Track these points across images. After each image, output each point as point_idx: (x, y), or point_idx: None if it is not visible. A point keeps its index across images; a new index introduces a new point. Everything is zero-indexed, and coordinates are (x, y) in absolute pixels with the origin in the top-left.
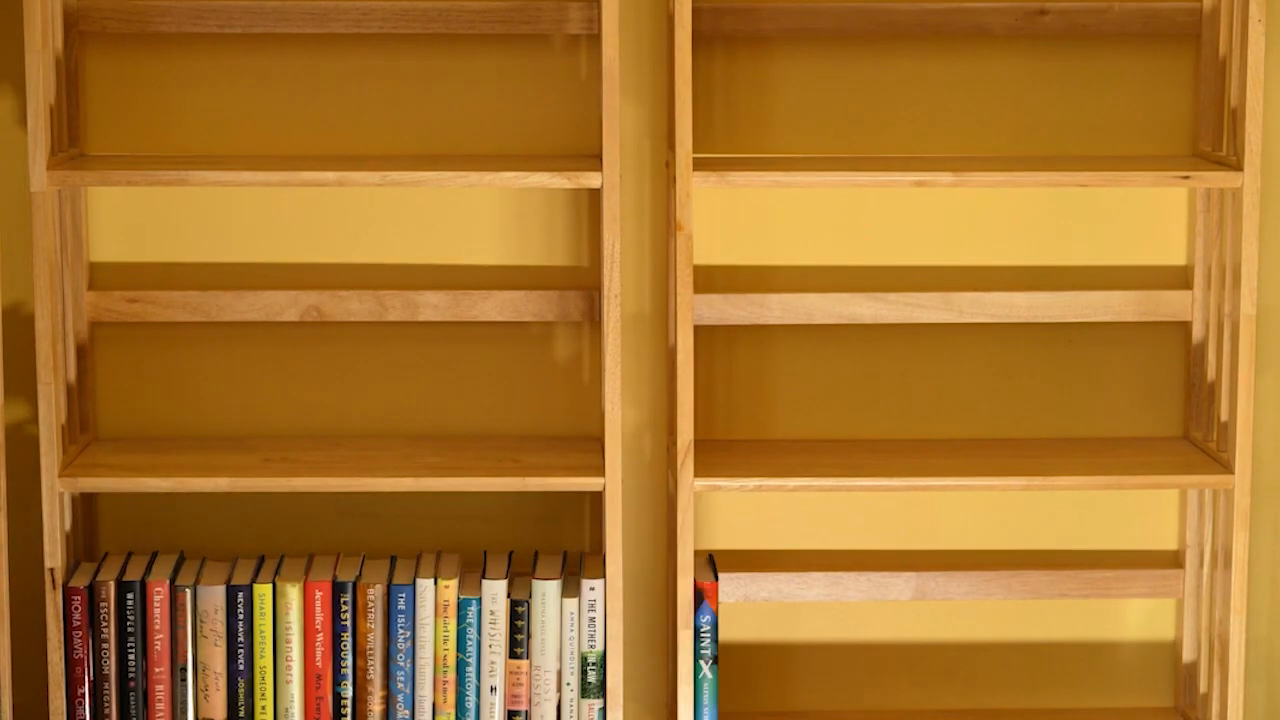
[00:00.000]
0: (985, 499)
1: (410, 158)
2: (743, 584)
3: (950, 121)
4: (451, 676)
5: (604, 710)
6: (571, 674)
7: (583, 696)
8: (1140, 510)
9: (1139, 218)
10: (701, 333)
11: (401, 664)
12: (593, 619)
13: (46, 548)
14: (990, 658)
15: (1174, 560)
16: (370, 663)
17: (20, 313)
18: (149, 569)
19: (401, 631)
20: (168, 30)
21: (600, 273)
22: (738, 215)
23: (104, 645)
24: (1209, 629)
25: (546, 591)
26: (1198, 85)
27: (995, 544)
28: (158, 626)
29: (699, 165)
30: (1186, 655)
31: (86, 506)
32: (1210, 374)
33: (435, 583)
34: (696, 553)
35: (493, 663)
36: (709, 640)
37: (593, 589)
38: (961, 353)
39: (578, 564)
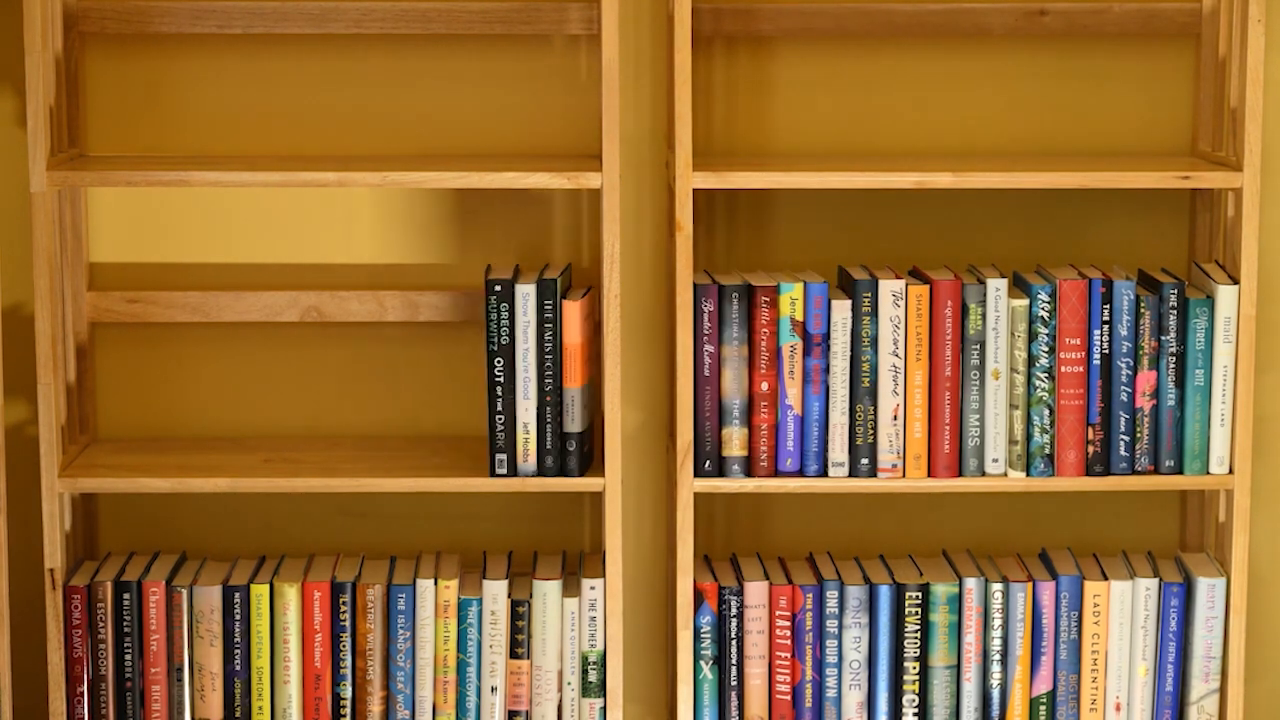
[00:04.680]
0: (986, 499)
1: (410, 158)
2: None
3: (950, 121)
4: (452, 677)
5: (604, 710)
6: (572, 674)
7: (583, 696)
8: (1140, 510)
9: (1139, 217)
10: None
11: (401, 664)
12: (593, 619)
13: (46, 548)
14: None
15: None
16: (370, 663)
17: (20, 313)
18: (148, 569)
19: (401, 632)
20: (168, 30)
21: (600, 273)
22: (739, 215)
23: (101, 645)
24: None
25: (547, 592)
26: (1198, 85)
27: (994, 546)
28: (153, 627)
29: (699, 165)
30: None
31: (86, 506)
32: None
33: (435, 583)
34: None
35: (493, 663)
36: (709, 640)
37: (593, 589)
38: None
39: (578, 564)
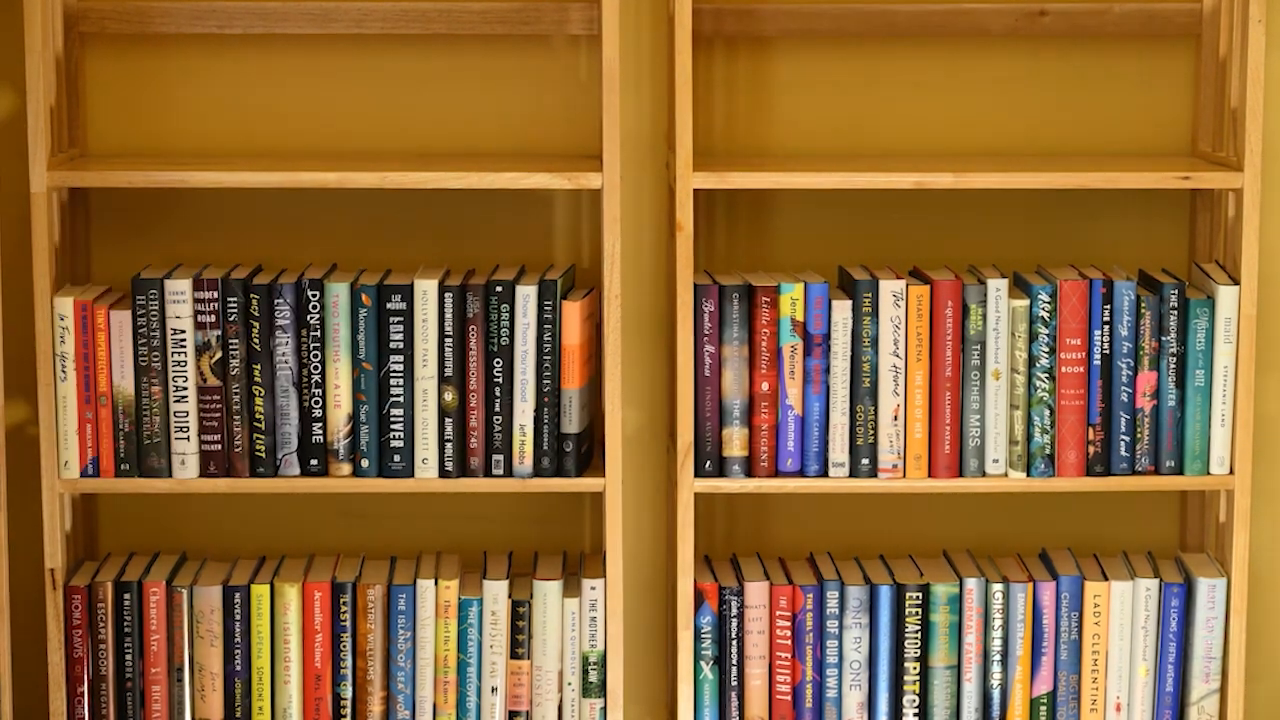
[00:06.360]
0: (986, 499)
1: (410, 158)
2: None
3: (950, 121)
4: (452, 677)
5: (605, 710)
6: (573, 674)
7: (584, 696)
8: (1140, 510)
9: (1139, 217)
10: None
11: (402, 664)
12: (594, 619)
13: (46, 548)
14: None
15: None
16: (370, 663)
17: (20, 314)
18: (148, 569)
19: (402, 632)
20: (168, 30)
21: (600, 273)
22: (739, 215)
23: (101, 645)
24: None
25: (548, 592)
26: (1198, 85)
27: (994, 546)
28: (154, 627)
29: (699, 165)
30: None
31: (86, 506)
32: None
33: (436, 583)
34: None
35: (494, 663)
36: (709, 640)
37: (593, 589)
38: None
39: (578, 564)
